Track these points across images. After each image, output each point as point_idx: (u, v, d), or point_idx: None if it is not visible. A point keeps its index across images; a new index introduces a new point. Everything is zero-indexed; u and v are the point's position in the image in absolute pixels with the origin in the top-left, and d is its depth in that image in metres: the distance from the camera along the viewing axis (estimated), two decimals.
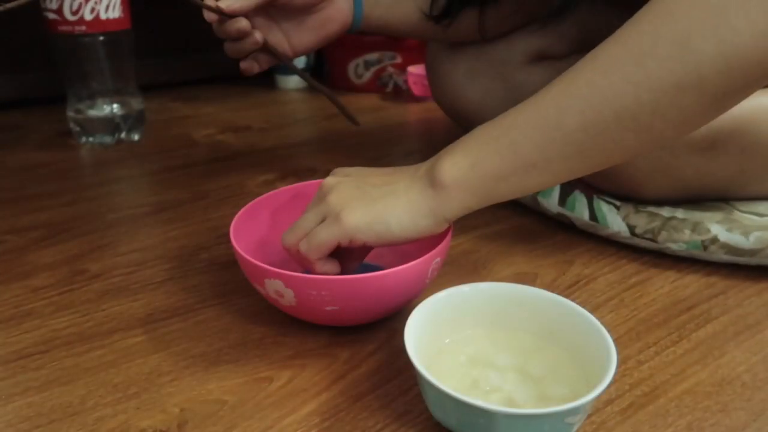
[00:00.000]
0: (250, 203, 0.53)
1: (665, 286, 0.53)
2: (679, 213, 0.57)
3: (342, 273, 0.45)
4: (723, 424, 0.38)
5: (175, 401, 0.40)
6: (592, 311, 0.48)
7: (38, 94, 1.09)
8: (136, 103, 0.92)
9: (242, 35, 0.58)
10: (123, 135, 0.91)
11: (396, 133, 0.97)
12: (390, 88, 1.21)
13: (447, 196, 0.42)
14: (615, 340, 0.39)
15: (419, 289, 0.46)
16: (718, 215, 0.56)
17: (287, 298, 0.43)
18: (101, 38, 0.84)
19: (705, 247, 0.55)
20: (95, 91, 0.88)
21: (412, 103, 1.14)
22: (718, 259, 0.55)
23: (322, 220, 0.44)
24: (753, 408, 0.39)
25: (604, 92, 0.38)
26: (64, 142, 0.92)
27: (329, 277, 0.42)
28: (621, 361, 0.44)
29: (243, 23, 0.56)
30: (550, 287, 0.53)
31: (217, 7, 0.55)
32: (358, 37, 1.20)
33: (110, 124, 0.89)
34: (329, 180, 0.46)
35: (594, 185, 0.61)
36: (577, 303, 0.40)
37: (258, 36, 0.58)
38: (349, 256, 0.46)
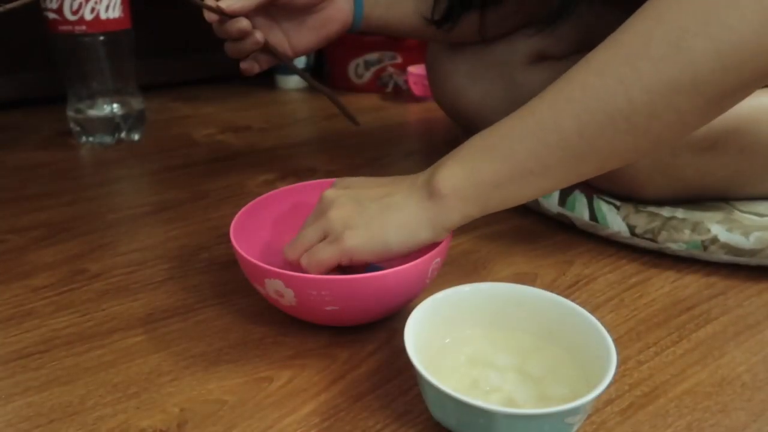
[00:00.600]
0: (250, 203, 0.53)
1: (665, 286, 0.53)
2: (679, 213, 0.57)
3: None
4: (723, 425, 0.38)
5: (175, 401, 0.40)
6: (592, 311, 0.48)
7: (38, 94, 1.09)
8: (136, 103, 0.92)
9: (243, 35, 0.58)
10: (123, 135, 0.91)
11: (396, 133, 0.97)
12: (390, 88, 1.21)
13: (446, 206, 0.42)
14: (615, 340, 0.39)
15: (419, 289, 0.46)
16: (718, 215, 0.56)
17: (287, 298, 0.43)
18: (101, 38, 0.84)
19: (705, 247, 0.55)
20: (95, 91, 0.88)
21: (412, 103, 1.14)
22: (718, 259, 0.55)
23: (324, 236, 0.45)
24: (753, 408, 0.39)
25: (599, 94, 0.38)
26: (64, 142, 0.92)
27: (329, 277, 0.42)
28: (621, 361, 0.44)
29: (244, 23, 0.56)
30: (550, 287, 0.53)
31: (218, 7, 0.55)
32: (359, 37, 1.20)
33: (110, 124, 0.89)
34: (329, 193, 0.46)
35: (594, 185, 0.61)
36: (577, 303, 0.40)
37: (259, 36, 0.58)
38: (350, 268, 0.46)
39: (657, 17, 0.37)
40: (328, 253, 0.44)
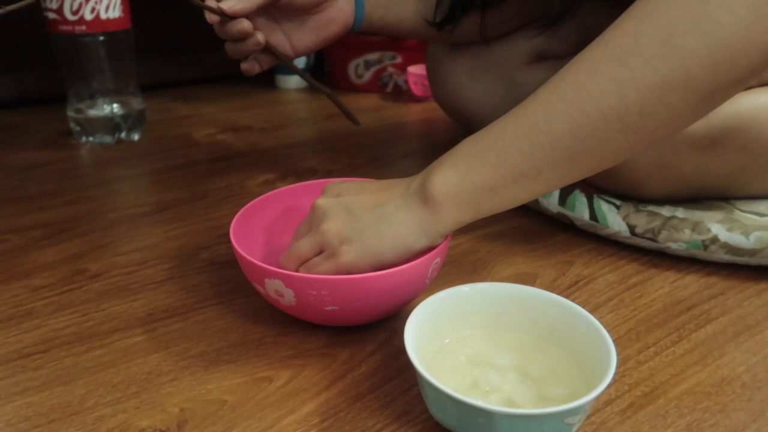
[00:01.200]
0: (250, 203, 0.53)
1: (665, 287, 0.53)
2: (680, 212, 0.57)
3: None
4: (723, 425, 0.38)
5: (175, 401, 0.40)
6: (592, 311, 0.48)
7: (38, 94, 1.09)
8: (136, 103, 0.92)
9: (244, 36, 0.58)
10: (123, 135, 0.91)
11: (396, 133, 0.97)
12: (390, 88, 1.21)
13: (439, 213, 0.42)
14: (615, 340, 0.39)
15: (419, 289, 0.46)
16: (718, 215, 0.56)
17: (287, 298, 0.43)
18: (101, 38, 0.84)
19: (705, 247, 0.55)
20: (95, 90, 0.88)
21: (413, 103, 1.14)
22: (719, 258, 0.55)
23: (319, 249, 0.45)
24: (753, 408, 0.39)
25: (591, 93, 0.38)
26: (64, 141, 0.92)
27: (329, 277, 0.42)
28: (621, 362, 0.44)
29: (245, 24, 0.56)
30: (550, 287, 0.53)
31: (219, 8, 0.55)
32: (359, 37, 1.20)
33: (110, 124, 0.89)
34: (322, 202, 0.46)
35: (594, 184, 0.61)
36: (577, 303, 0.40)
37: (260, 37, 0.58)
38: None
39: (647, 15, 0.36)
40: (324, 269, 0.44)
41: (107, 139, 0.90)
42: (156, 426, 0.38)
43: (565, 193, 0.62)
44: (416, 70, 1.14)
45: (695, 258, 0.56)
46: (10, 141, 0.93)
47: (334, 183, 0.48)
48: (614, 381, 0.42)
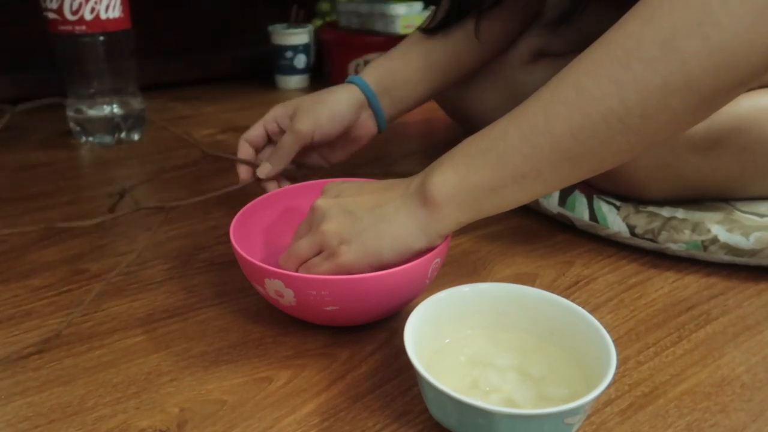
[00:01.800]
0: (251, 203, 0.53)
1: (665, 287, 0.53)
2: (680, 213, 0.57)
3: None
4: (722, 425, 0.38)
5: (175, 401, 0.40)
6: (592, 311, 0.48)
7: (38, 94, 1.09)
8: (136, 103, 0.92)
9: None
10: (123, 135, 0.91)
11: (396, 133, 0.97)
12: None
13: (439, 213, 0.42)
14: (615, 341, 0.39)
15: (419, 289, 0.46)
16: (718, 215, 0.56)
17: (287, 298, 0.43)
18: (101, 38, 0.84)
19: (705, 248, 0.55)
20: (95, 90, 0.88)
21: None
22: (719, 259, 0.55)
23: (318, 250, 0.45)
24: (752, 409, 0.39)
25: (592, 95, 0.38)
26: (64, 141, 0.92)
27: (329, 277, 0.42)
28: (621, 362, 0.44)
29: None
30: (550, 287, 0.53)
31: (255, 175, 0.62)
32: (359, 37, 1.20)
33: (110, 124, 0.89)
34: (321, 203, 0.46)
35: (594, 185, 0.61)
36: (577, 303, 0.40)
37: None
38: None
39: (649, 17, 0.36)
40: (324, 269, 0.44)
41: (107, 139, 0.90)
42: (156, 426, 0.38)
43: (565, 193, 0.62)
44: None
45: (695, 258, 0.56)
46: (9, 141, 0.93)
47: (334, 183, 0.48)
48: (614, 381, 0.42)
